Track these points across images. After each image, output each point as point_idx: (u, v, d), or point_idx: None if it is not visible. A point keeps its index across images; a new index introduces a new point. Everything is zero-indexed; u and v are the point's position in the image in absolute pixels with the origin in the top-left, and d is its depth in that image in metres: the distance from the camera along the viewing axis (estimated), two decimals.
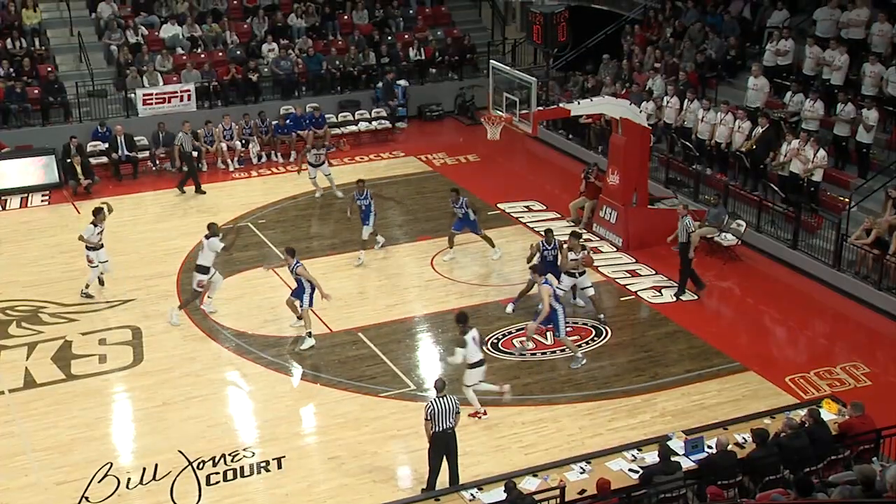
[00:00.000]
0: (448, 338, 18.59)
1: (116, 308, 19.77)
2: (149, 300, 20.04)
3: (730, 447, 13.66)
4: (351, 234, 22.67)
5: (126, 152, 26.75)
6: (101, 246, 20.05)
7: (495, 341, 18.33)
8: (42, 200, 25.59)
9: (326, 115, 29.58)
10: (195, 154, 26.55)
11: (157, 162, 27.25)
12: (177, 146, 26.07)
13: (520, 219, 23.88)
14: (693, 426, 15.21)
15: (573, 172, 25.19)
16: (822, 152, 21.49)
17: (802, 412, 14.74)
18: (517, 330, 18.69)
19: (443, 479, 13.97)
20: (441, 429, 13.76)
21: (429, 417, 13.70)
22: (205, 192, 25.63)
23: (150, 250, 22.38)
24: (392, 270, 21.34)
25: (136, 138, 27.23)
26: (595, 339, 18.52)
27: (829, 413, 14.70)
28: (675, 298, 19.95)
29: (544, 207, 24.64)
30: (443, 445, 13.85)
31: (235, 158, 27.67)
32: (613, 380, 17.22)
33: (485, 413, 16.03)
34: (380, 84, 31.05)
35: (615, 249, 22.24)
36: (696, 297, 20.08)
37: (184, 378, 17.22)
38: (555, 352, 18.03)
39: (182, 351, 18.14)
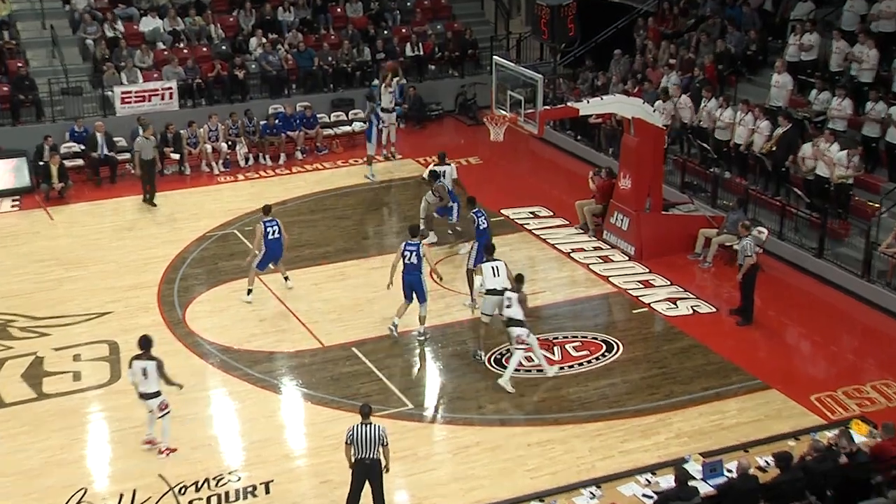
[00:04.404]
0: (449, 352, 18.57)
1: (92, 321, 19.71)
2: (127, 313, 19.99)
3: (751, 471, 13.62)
4: (345, 242, 22.69)
5: (106, 152, 26.63)
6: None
7: (498, 357, 18.28)
8: (13, 206, 25.53)
9: (318, 115, 29.54)
10: (172, 152, 26.49)
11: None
12: (137, 153, 25.39)
13: (525, 225, 23.83)
14: (711, 448, 15.19)
15: (582, 176, 25.12)
16: (856, 157, 21.30)
17: (830, 434, 14.70)
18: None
19: None
20: (360, 457, 13.65)
21: (349, 441, 13.62)
22: (156, 206, 25.22)
23: (129, 259, 22.34)
24: (388, 280, 21.26)
25: (114, 139, 27.14)
26: (606, 354, 18.47)
27: (858, 435, 14.66)
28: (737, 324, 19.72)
29: (551, 213, 24.60)
30: (362, 475, 13.72)
31: (221, 161, 27.64)
32: (625, 398, 17.17)
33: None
34: (376, 81, 31.05)
35: (627, 258, 22.20)
36: (714, 310, 20.05)
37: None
38: (563, 367, 17.98)
39: None
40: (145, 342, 15.55)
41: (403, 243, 18.74)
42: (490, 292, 17.92)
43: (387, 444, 13.71)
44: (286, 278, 20.67)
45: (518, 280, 17.74)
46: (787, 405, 16.84)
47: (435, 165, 22.93)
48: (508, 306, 17.33)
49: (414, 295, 18.68)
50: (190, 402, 16.95)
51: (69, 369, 18.08)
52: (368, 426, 13.65)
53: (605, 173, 23.45)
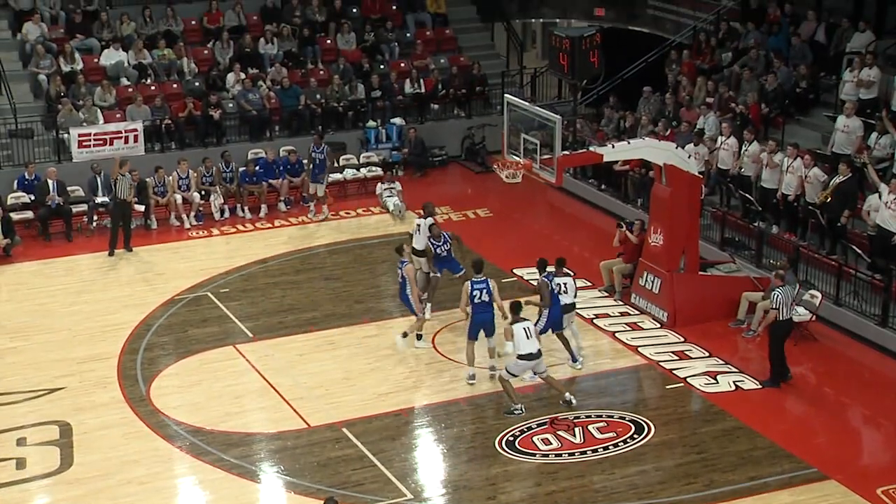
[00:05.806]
0: (453, 433, 18.45)
1: (40, 399, 19.63)
2: (81, 389, 19.92)
3: None
4: (334, 306, 22.65)
5: (59, 202, 26.61)
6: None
7: (511, 439, 18.17)
8: None
9: (304, 161, 29.60)
10: (136, 203, 26.59)
11: (96, 217, 27.13)
12: (112, 194, 25.79)
13: None
14: None
15: (606, 231, 25.14)
16: None
17: None
18: (538, 426, 18.54)
19: None
20: None
21: None
22: (132, 250, 25.72)
23: (84, 326, 22.32)
24: (384, 350, 21.23)
25: (69, 188, 27.19)
26: (635, 436, 18.37)
27: None
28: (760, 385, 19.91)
29: (572, 274, 24.51)
30: None
31: (192, 213, 27.69)
32: (658, 488, 17.05)
33: None
34: (371, 123, 31.18)
35: (659, 326, 22.16)
36: (760, 387, 19.94)
37: (124, 486, 17.03)
38: (585, 452, 17.85)
39: (122, 452, 17.97)
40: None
41: (469, 282, 19.59)
42: (522, 357, 18.59)
43: None
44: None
45: (559, 264, 20.61)
46: (848, 499, 16.69)
47: (419, 219, 22.82)
48: (565, 292, 20.24)
49: (482, 333, 19.88)
50: (154, 493, 16.88)
51: (11, 455, 17.93)
52: None
53: (638, 228, 23.39)
